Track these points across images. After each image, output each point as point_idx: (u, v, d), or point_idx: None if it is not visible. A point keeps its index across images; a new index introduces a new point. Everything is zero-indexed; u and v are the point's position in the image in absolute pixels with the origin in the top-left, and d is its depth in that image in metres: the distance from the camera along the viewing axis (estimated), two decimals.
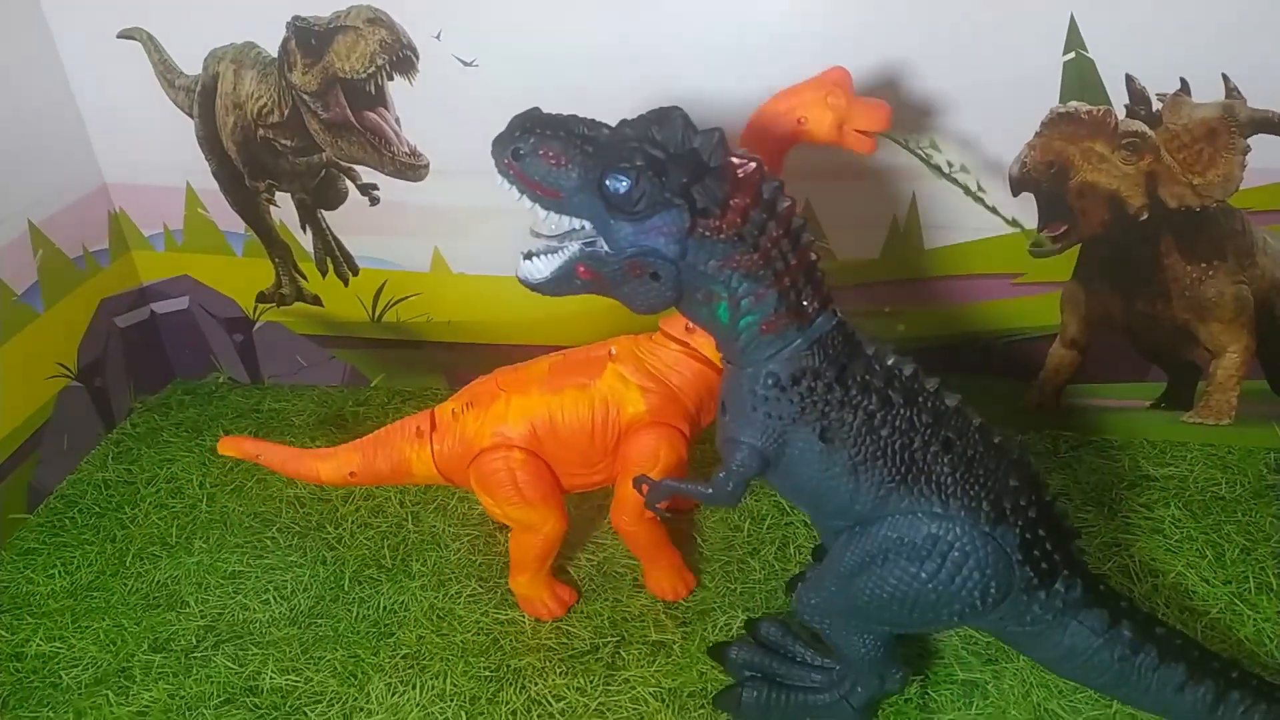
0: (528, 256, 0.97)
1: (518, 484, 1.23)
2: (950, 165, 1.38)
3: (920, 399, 0.99)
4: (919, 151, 1.37)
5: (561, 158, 0.90)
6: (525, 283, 0.98)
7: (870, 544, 1.01)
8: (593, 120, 0.95)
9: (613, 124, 0.96)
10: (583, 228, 0.94)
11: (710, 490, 1.03)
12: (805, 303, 0.96)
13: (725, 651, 1.23)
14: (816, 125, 1.15)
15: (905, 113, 1.34)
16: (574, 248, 0.95)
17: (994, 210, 1.41)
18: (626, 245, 0.92)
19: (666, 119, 0.92)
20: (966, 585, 0.99)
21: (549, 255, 0.96)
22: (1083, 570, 1.04)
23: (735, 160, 0.92)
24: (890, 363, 1.00)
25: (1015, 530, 0.99)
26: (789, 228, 0.94)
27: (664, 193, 0.89)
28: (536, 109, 0.95)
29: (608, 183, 0.89)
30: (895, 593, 1.01)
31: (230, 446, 1.36)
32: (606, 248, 0.93)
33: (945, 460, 0.98)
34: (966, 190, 1.39)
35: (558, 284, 0.97)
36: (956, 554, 0.98)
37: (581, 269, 0.94)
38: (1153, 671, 1.01)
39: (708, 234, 0.91)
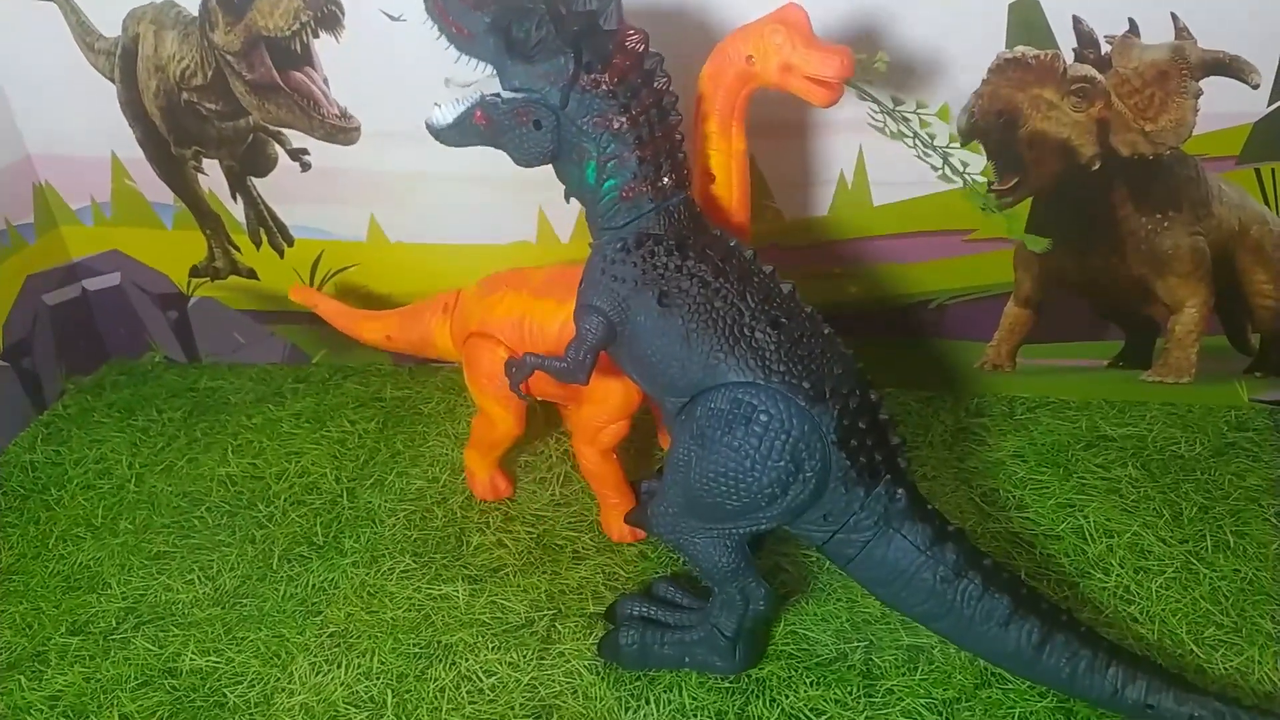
0: (437, 105, 1.07)
1: (490, 376, 1.28)
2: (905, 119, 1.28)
3: (755, 279, 1.05)
4: (885, 109, 1.26)
5: (479, 1, 1.00)
6: (430, 128, 1.08)
7: (695, 424, 1.03)
8: None
9: None
10: (485, 78, 1.03)
11: (565, 363, 1.08)
12: (664, 177, 1.04)
13: (614, 605, 1.22)
14: (761, 67, 1.08)
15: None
16: (475, 96, 1.04)
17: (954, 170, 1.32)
18: (516, 86, 1.01)
19: None
20: (775, 448, 1.00)
21: (454, 104, 1.06)
22: (907, 484, 1.05)
23: (628, 29, 1.01)
24: (732, 244, 1.07)
25: (833, 413, 1.01)
26: (660, 101, 1.03)
27: (557, 40, 0.98)
28: None
29: (512, 27, 0.99)
30: (718, 469, 1.02)
31: (299, 294, 1.50)
32: (502, 96, 1.02)
33: (772, 335, 1.02)
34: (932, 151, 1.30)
35: (458, 130, 1.06)
36: (764, 416, 1.00)
37: (479, 114, 1.04)
38: (976, 600, 1.01)
39: (587, 88, 1.00)
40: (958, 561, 1.02)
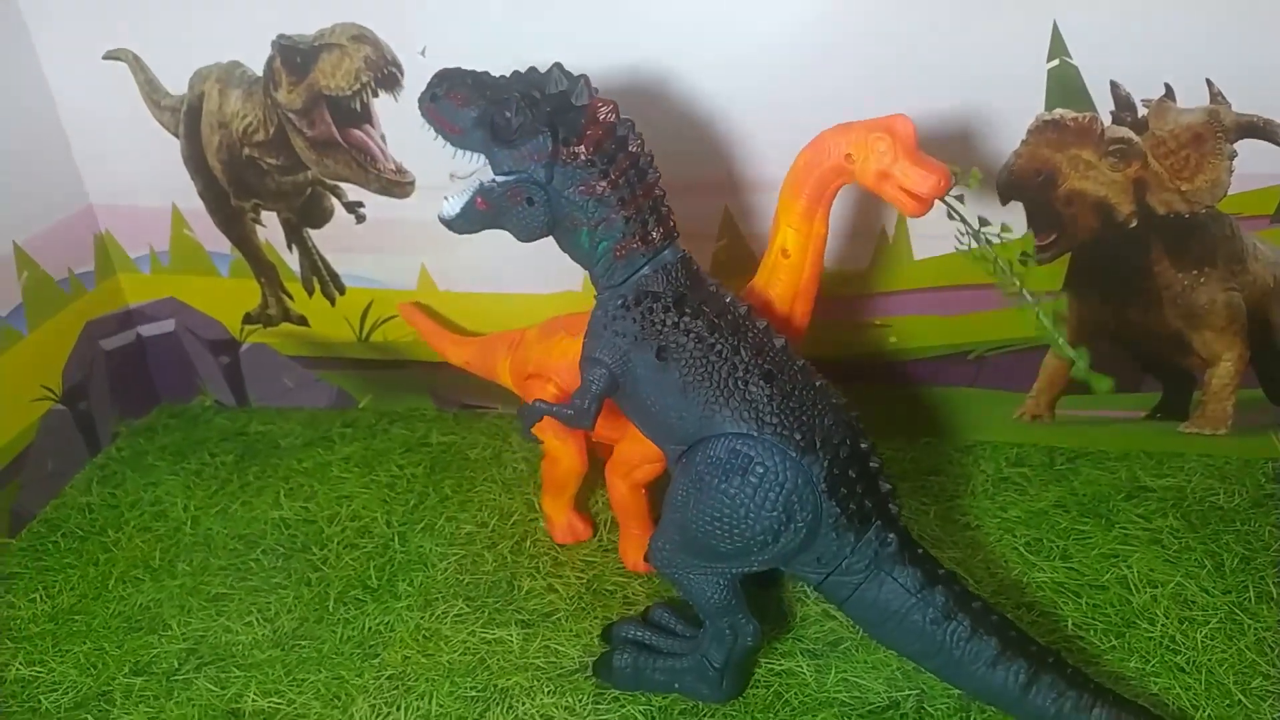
0: (446, 199, 1.15)
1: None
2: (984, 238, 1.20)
3: (749, 334, 1.11)
4: (972, 230, 1.19)
5: (466, 99, 1.09)
6: (441, 219, 1.16)
7: (693, 469, 1.09)
8: (497, 76, 1.13)
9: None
10: (483, 167, 1.12)
11: (571, 410, 1.15)
12: (652, 232, 1.11)
13: (611, 627, 1.28)
14: (860, 168, 1.11)
15: None
16: (475, 184, 1.13)
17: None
18: (506, 170, 1.09)
19: (548, 72, 1.10)
20: (769, 499, 1.05)
21: (459, 195, 1.14)
22: (898, 528, 1.09)
23: (598, 102, 1.09)
24: (728, 300, 1.13)
25: (823, 463, 1.06)
26: (636, 162, 1.10)
27: (534, 123, 1.06)
28: (457, 67, 1.12)
29: (494, 117, 1.07)
30: (714, 514, 1.07)
31: (405, 310, 1.63)
32: (496, 180, 1.10)
33: (764, 389, 1.07)
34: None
35: (465, 218, 1.14)
36: (760, 468, 1.05)
37: (479, 201, 1.12)
38: (965, 642, 1.05)
39: (568, 160, 1.07)
40: (947, 604, 1.06)
